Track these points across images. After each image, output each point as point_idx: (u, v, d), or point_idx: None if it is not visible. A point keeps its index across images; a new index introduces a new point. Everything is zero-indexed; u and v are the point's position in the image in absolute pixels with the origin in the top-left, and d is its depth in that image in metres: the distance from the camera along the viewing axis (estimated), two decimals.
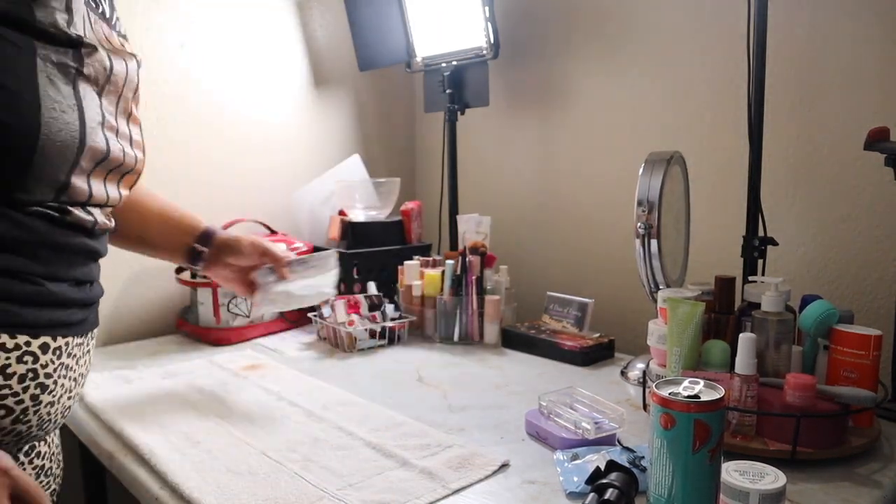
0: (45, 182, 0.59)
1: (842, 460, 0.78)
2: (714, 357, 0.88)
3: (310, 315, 1.40)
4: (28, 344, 0.59)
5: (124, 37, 0.75)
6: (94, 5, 0.68)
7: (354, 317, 1.31)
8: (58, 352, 0.62)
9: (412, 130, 1.97)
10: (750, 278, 1.01)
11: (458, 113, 1.58)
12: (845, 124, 1.09)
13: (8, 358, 0.57)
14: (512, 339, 1.31)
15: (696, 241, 1.16)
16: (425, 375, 1.15)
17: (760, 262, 1.06)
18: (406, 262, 1.44)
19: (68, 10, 0.59)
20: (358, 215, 1.57)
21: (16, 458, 0.60)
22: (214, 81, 1.51)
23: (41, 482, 0.58)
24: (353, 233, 1.51)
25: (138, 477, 0.81)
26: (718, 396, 0.60)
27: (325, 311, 1.34)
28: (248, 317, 1.38)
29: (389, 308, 1.37)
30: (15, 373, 0.58)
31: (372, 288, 1.42)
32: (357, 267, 1.48)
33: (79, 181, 0.62)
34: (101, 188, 0.67)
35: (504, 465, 0.79)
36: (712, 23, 1.24)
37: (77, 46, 0.60)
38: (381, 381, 1.12)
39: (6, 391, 0.58)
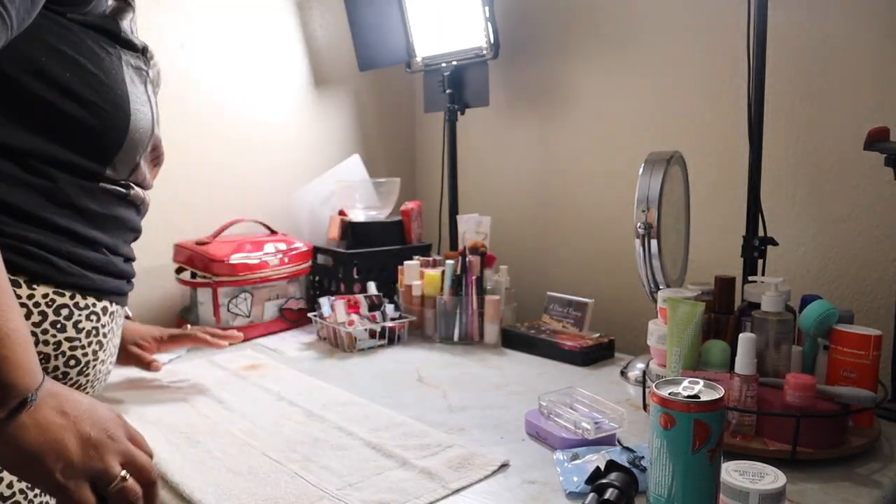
0: (126, 163, 0.69)
1: (842, 460, 0.78)
2: (714, 357, 0.88)
3: (310, 315, 1.40)
4: (94, 305, 0.66)
5: None
6: None
7: (354, 317, 1.31)
8: (112, 316, 0.70)
9: (412, 130, 1.97)
10: (750, 278, 1.01)
11: (458, 113, 1.58)
12: (845, 124, 1.09)
13: (80, 314, 0.64)
14: (512, 339, 1.31)
15: (696, 241, 1.16)
16: (425, 375, 1.15)
17: (760, 262, 1.06)
18: (406, 262, 1.44)
19: (132, 24, 0.73)
20: (358, 215, 1.57)
21: None
22: (214, 81, 1.51)
23: None
24: (353, 233, 1.51)
25: None
26: (718, 396, 0.60)
27: (325, 311, 1.34)
28: (248, 317, 1.38)
29: (389, 308, 1.37)
30: (84, 328, 0.65)
31: (372, 288, 1.42)
32: (357, 267, 1.48)
33: (143, 164, 0.74)
34: (148, 173, 0.78)
35: (504, 465, 0.79)
36: (712, 23, 1.24)
37: (144, 53, 0.72)
38: (381, 381, 1.12)
39: (76, 343, 0.64)
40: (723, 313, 0.95)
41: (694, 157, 1.12)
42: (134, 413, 0.97)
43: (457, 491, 0.73)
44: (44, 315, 0.60)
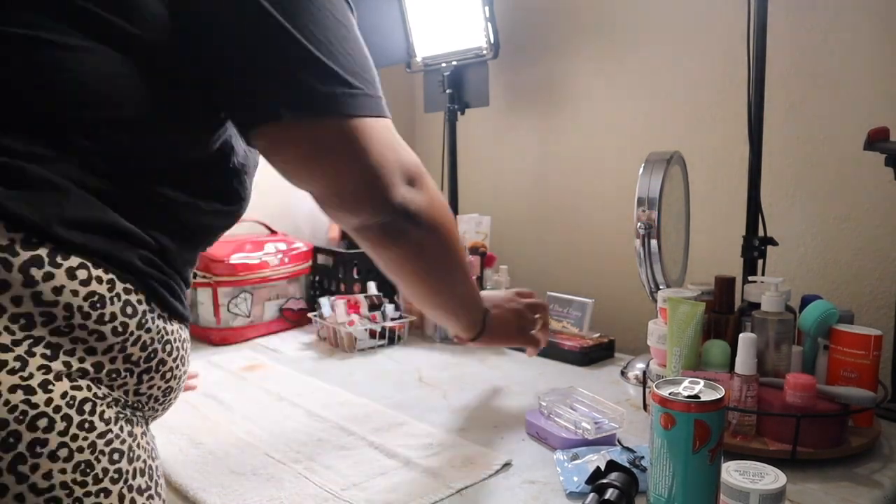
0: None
1: (842, 460, 0.78)
2: (714, 357, 0.89)
3: (310, 315, 1.40)
4: (185, 331, 0.67)
5: None
6: None
7: (354, 317, 1.31)
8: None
9: (412, 130, 1.97)
10: (750, 278, 1.01)
11: (458, 113, 1.58)
12: (845, 124, 1.09)
13: (186, 347, 0.66)
14: None
15: (696, 241, 1.16)
16: (425, 375, 1.15)
17: (760, 262, 1.06)
18: None
19: None
20: None
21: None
22: None
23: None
24: None
25: None
26: (718, 396, 0.60)
27: (326, 311, 1.34)
28: (248, 317, 1.38)
29: (389, 308, 1.37)
30: (187, 359, 0.66)
31: (372, 288, 1.42)
32: (357, 267, 1.48)
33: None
34: None
35: (506, 465, 0.80)
36: (712, 23, 1.24)
37: None
38: (382, 381, 1.12)
39: (185, 375, 0.66)
40: (723, 313, 0.95)
41: (694, 157, 1.12)
42: None
43: (459, 490, 0.74)
44: (178, 350, 0.62)
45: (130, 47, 0.55)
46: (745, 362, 0.81)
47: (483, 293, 0.96)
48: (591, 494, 0.66)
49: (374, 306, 1.36)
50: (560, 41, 1.51)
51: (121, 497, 0.53)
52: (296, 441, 0.87)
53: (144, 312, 0.57)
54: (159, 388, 0.61)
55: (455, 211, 1.62)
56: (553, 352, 1.23)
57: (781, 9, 1.10)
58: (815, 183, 1.14)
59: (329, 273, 1.54)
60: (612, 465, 0.69)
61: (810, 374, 0.85)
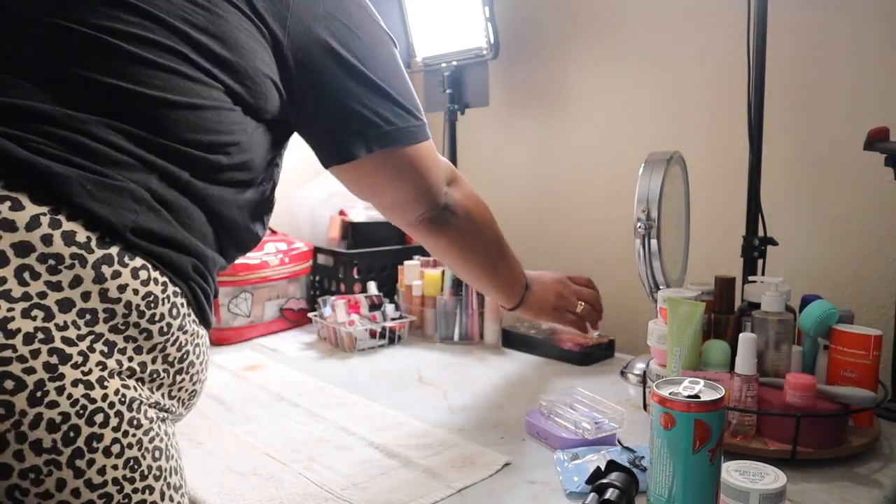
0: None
1: (842, 460, 0.78)
2: (714, 357, 0.89)
3: (310, 315, 1.41)
4: (207, 337, 0.68)
5: None
6: None
7: (354, 317, 1.31)
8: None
9: None
10: (750, 278, 1.01)
11: (458, 113, 1.58)
12: (845, 124, 1.09)
13: (209, 353, 0.67)
14: (512, 339, 1.31)
15: (696, 241, 1.16)
16: (425, 375, 1.15)
17: (760, 262, 1.06)
18: (406, 262, 1.44)
19: None
20: (358, 215, 1.57)
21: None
22: None
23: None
24: (353, 233, 1.51)
25: None
26: (718, 396, 0.60)
27: (326, 311, 1.34)
28: (248, 317, 1.38)
29: (389, 308, 1.37)
30: (207, 361, 0.67)
31: (372, 288, 1.43)
32: (357, 267, 1.48)
33: None
34: None
35: (507, 465, 0.80)
36: (712, 23, 1.24)
37: None
38: (382, 381, 1.12)
39: (206, 380, 0.67)
40: (723, 313, 0.95)
41: (694, 157, 1.12)
42: None
43: (460, 490, 0.74)
44: (204, 354, 0.64)
45: (251, 110, 0.64)
46: (745, 362, 0.81)
47: (535, 272, 1.09)
48: (591, 494, 0.66)
49: (374, 306, 1.36)
50: (560, 41, 1.51)
51: (162, 494, 0.55)
52: (296, 441, 0.87)
53: (185, 315, 0.59)
54: (187, 390, 0.62)
55: None
56: (553, 352, 1.23)
57: (781, 9, 1.10)
58: (815, 183, 1.14)
59: (329, 273, 1.54)
60: (612, 465, 0.70)
61: (810, 374, 0.85)
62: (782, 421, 0.79)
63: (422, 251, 1.56)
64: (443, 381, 1.12)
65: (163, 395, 0.58)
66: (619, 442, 0.84)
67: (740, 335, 0.82)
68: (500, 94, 1.64)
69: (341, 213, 1.58)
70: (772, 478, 0.62)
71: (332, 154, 0.74)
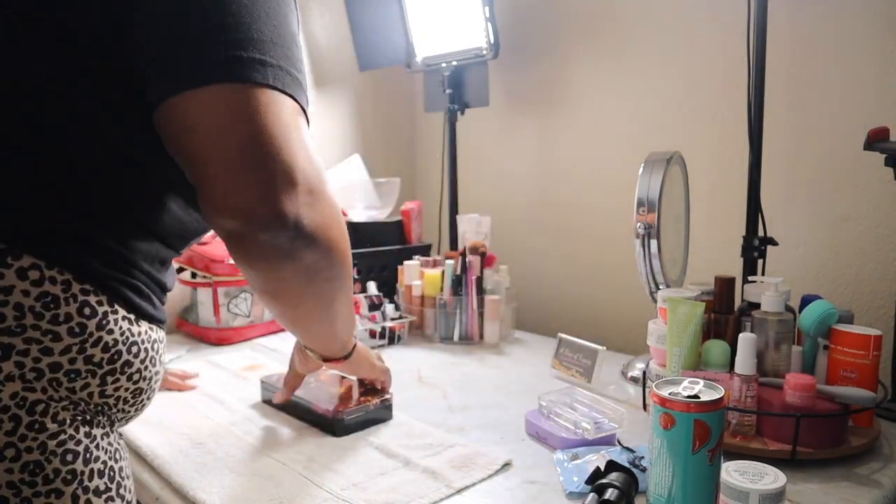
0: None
1: (842, 460, 0.78)
2: (714, 357, 0.89)
3: None
4: (162, 337, 0.66)
5: None
6: None
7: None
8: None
9: (412, 130, 1.97)
10: (750, 278, 1.01)
11: (458, 113, 1.58)
12: (845, 124, 1.09)
13: (160, 347, 0.65)
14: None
15: (696, 241, 1.16)
16: (425, 375, 1.15)
17: (760, 262, 1.06)
18: (406, 262, 1.44)
19: None
20: (358, 215, 1.57)
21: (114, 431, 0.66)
22: None
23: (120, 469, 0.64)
24: (353, 233, 1.50)
25: (139, 478, 0.81)
26: (718, 396, 0.60)
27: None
28: (248, 317, 1.38)
29: (389, 308, 1.37)
30: (160, 359, 0.65)
31: (372, 288, 1.42)
32: (357, 267, 1.48)
33: None
34: None
35: (506, 465, 0.79)
36: (712, 23, 1.24)
37: None
38: None
39: (158, 374, 0.65)
40: (723, 313, 0.95)
41: (694, 157, 1.12)
42: None
43: (459, 490, 0.74)
44: (146, 352, 0.62)
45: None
46: (744, 362, 0.81)
47: None
48: (591, 494, 0.65)
49: (374, 306, 1.36)
50: (560, 41, 1.51)
51: (74, 498, 0.54)
52: (296, 441, 0.87)
53: (106, 314, 0.57)
54: (127, 389, 0.60)
55: (455, 211, 1.62)
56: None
57: (781, 8, 1.11)
58: (815, 183, 1.14)
59: None
60: (611, 465, 0.69)
61: (810, 374, 0.85)
62: (782, 421, 0.79)
63: (422, 251, 1.57)
64: (443, 381, 1.12)
65: (89, 395, 0.57)
66: (619, 442, 0.84)
67: (740, 335, 0.82)
68: (500, 94, 1.64)
69: (342, 212, 1.58)
70: (771, 478, 0.61)
71: (162, 86, 0.53)
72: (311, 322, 0.72)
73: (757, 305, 0.91)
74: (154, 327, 0.63)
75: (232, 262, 1.33)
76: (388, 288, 1.48)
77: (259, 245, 0.53)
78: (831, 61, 1.10)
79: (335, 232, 0.59)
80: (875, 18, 1.05)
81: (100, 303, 0.56)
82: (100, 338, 0.56)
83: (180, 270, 1.38)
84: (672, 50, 1.31)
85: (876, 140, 0.89)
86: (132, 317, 0.60)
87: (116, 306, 0.58)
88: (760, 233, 1.06)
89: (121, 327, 0.58)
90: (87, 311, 0.55)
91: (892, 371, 0.95)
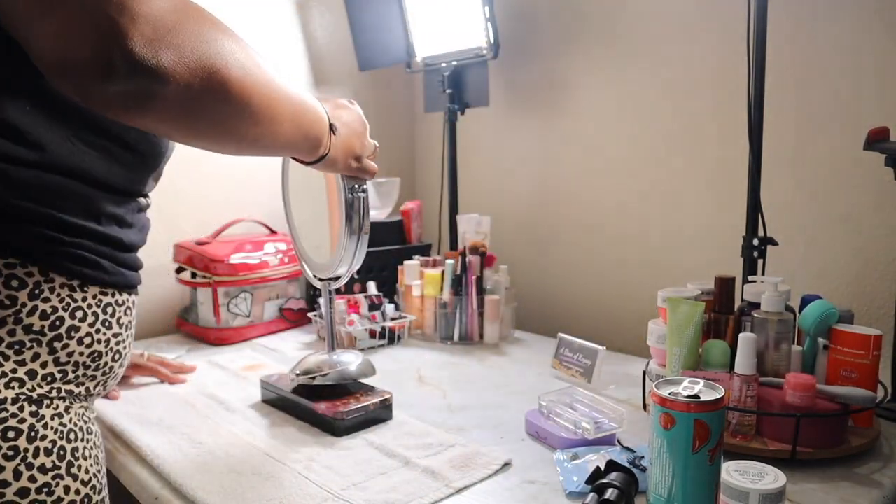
0: (156, 178, 0.72)
1: (842, 460, 0.78)
2: (714, 357, 0.89)
3: (310, 315, 1.41)
4: (127, 300, 0.67)
5: None
6: None
7: (354, 317, 1.31)
8: (133, 309, 0.71)
9: (412, 130, 1.97)
10: (750, 278, 1.01)
11: (458, 113, 1.58)
12: (845, 124, 1.09)
13: (120, 310, 0.66)
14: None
15: (696, 241, 1.17)
16: (425, 375, 1.15)
17: (760, 262, 1.06)
18: (406, 262, 1.44)
19: None
20: None
21: (94, 422, 0.66)
22: None
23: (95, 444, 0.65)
24: None
25: (139, 477, 0.81)
26: (718, 396, 0.60)
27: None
28: (248, 317, 1.38)
29: (389, 308, 1.37)
30: (124, 323, 0.67)
31: (372, 288, 1.42)
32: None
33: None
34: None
35: (506, 465, 0.79)
36: (712, 23, 1.24)
37: None
38: (381, 381, 1.12)
39: (120, 338, 0.66)
40: (723, 313, 0.95)
41: (694, 156, 1.13)
42: (134, 415, 0.97)
43: (459, 490, 0.74)
44: (96, 316, 0.63)
45: None
46: (744, 362, 0.81)
47: (329, 102, 0.76)
48: (591, 494, 0.65)
49: (374, 306, 1.36)
50: (560, 41, 1.51)
51: (17, 473, 0.55)
52: (296, 441, 0.87)
53: (39, 283, 0.58)
54: (81, 353, 0.61)
55: (455, 211, 1.62)
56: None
57: (781, 9, 1.10)
58: (815, 183, 1.14)
59: None
60: (611, 465, 0.69)
61: (810, 374, 0.85)
62: (782, 421, 0.79)
63: (422, 251, 1.57)
64: (443, 381, 1.12)
65: (41, 364, 0.58)
66: (619, 442, 0.84)
67: (740, 335, 0.82)
68: (500, 94, 1.64)
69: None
70: (771, 478, 0.61)
71: None
72: (247, 147, 0.59)
73: (757, 305, 0.91)
74: (109, 290, 0.64)
75: (232, 262, 1.33)
76: (388, 288, 1.48)
77: (107, 99, 0.45)
78: (831, 61, 1.10)
79: (199, 52, 0.47)
80: (875, 18, 1.05)
81: (29, 274, 0.57)
82: (35, 307, 0.57)
83: (180, 270, 1.38)
84: (672, 50, 1.31)
85: (876, 140, 0.89)
86: (75, 283, 0.61)
87: (52, 275, 0.59)
88: (760, 233, 1.06)
89: (59, 294, 0.59)
90: (14, 283, 0.56)
91: (892, 371, 0.95)
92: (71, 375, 0.61)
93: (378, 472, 0.78)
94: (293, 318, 1.46)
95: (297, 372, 0.95)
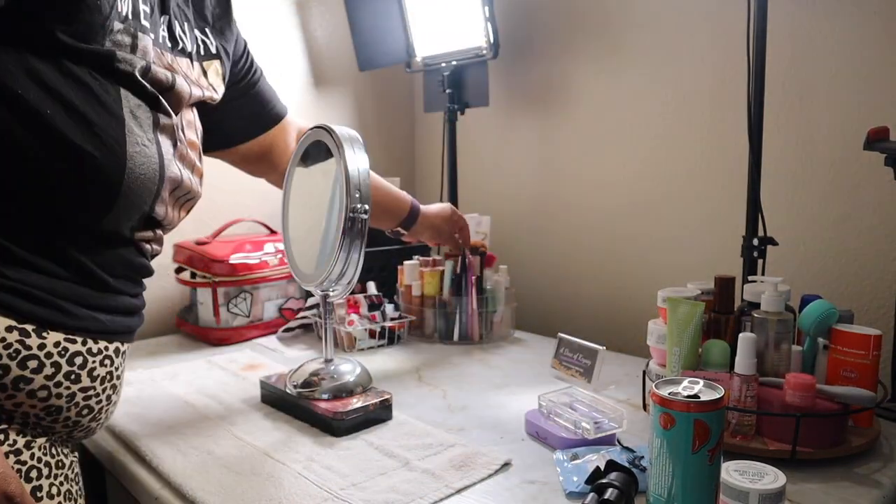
0: (130, 210, 0.63)
1: (842, 460, 0.78)
2: (714, 357, 0.89)
3: (302, 315, 1.40)
4: (107, 348, 0.62)
5: (214, 57, 0.81)
6: (170, 45, 0.72)
7: (354, 317, 1.31)
8: (123, 356, 0.67)
9: (412, 130, 1.97)
10: (750, 278, 1.01)
11: (458, 113, 1.58)
12: (845, 124, 1.09)
13: (94, 361, 0.60)
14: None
15: (696, 241, 1.17)
16: (425, 375, 1.15)
17: (760, 262, 1.06)
18: (406, 262, 1.44)
19: (144, 55, 0.63)
20: None
21: (70, 453, 0.64)
22: None
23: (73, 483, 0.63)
24: None
25: (139, 477, 0.81)
26: (718, 396, 0.60)
27: None
28: (247, 317, 1.38)
29: (389, 308, 1.37)
30: (98, 375, 0.62)
31: (372, 288, 1.42)
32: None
33: (163, 209, 0.68)
34: (174, 213, 0.72)
35: (506, 465, 0.79)
36: (712, 23, 1.24)
37: (158, 89, 0.64)
38: (381, 381, 1.12)
39: (91, 392, 0.61)
40: (723, 313, 0.95)
41: (694, 156, 1.13)
42: (134, 415, 0.97)
43: (459, 490, 0.74)
44: (57, 366, 0.56)
45: None
46: (744, 362, 0.81)
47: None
48: (591, 494, 0.65)
49: (374, 306, 1.36)
50: (560, 41, 1.51)
51: None
52: (295, 441, 0.87)
53: None
54: (33, 406, 0.55)
55: None
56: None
57: (781, 9, 1.11)
58: (814, 183, 1.14)
59: None
60: (611, 465, 0.69)
61: (810, 374, 0.85)
62: (782, 421, 0.79)
63: (422, 251, 1.56)
64: (443, 380, 1.12)
65: None
66: (619, 442, 0.84)
67: (740, 335, 0.82)
68: (500, 94, 1.64)
69: None
70: (771, 478, 0.61)
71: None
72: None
73: (757, 305, 0.90)
74: (78, 337, 0.57)
75: (232, 262, 1.33)
76: (388, 288, 1.48)
77: None
78: (831, 61, 1.10)
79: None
80: (875, 18, 1.05)
81: None
82: None
83: (180, 270, 1.38)
84: (672, 49, 1.31)
85: (876, 140, 0.89)
86: (29, 327, 0.54)
87: None
88: (760, 233, 1.06)
89: (10, 340, 0.53)
90: None
91: (892, 371, 0.95)
92: (22, 422, 0.56)
93: (378, 472, 0.78)
94: (293, 318, 1.46)
95: (295, 384, 0.95)
